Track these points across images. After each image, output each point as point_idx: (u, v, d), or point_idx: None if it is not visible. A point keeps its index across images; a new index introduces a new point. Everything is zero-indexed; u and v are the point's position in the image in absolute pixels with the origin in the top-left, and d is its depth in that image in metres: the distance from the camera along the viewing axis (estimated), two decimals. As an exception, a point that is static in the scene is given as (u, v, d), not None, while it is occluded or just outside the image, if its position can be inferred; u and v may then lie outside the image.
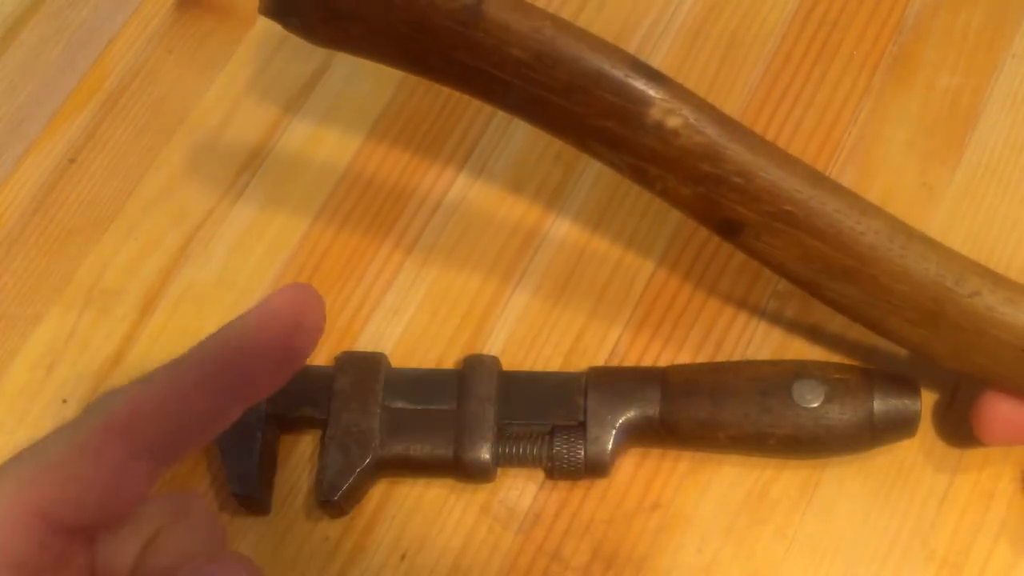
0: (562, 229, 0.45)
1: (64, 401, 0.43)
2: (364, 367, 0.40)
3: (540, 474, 0.41)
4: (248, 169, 0.47)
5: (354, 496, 0.40)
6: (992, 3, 0.47)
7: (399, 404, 0.40)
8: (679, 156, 0.34)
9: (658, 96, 0.34)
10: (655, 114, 0.34)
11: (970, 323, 0.35)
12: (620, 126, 0.34)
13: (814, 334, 0.42)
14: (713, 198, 0.35)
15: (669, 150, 0.34)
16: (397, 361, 0.42)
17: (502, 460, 0.40)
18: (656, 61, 0.47)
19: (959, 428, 0.40)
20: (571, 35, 0.34)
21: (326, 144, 0.47)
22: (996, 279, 0.35)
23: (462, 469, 0.39)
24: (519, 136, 0.47)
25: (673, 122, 0.34)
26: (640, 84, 0.34)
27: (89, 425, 0.27)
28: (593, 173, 0.46)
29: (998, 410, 0.36)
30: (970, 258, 0.35)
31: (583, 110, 0.34)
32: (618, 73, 0.34)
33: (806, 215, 0.35)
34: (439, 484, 0.41)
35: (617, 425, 0.39)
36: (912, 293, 0.35)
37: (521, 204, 0.45)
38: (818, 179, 0.35)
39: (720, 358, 0.42)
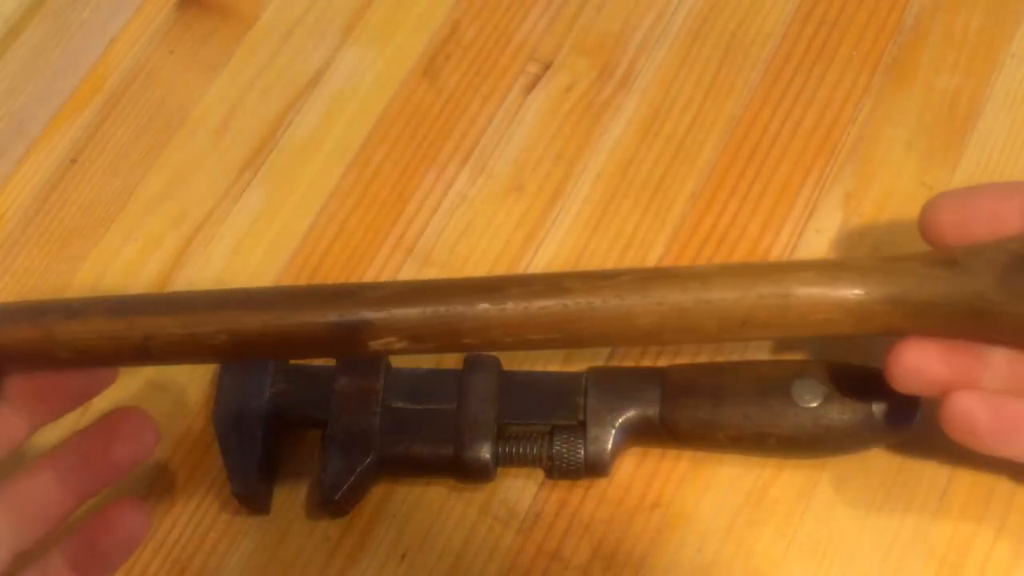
0: (562, 229, 0.45)
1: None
2: (364, 367, 0.40)
3: (540, 474, 0.41)
4: (249, 169, 0.47)
5: (354, 496, 0.40)
6: (992, 3, 0.47)
7: (399, 404, 0.40)
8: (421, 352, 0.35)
9: (369, 336, 0.34)
10: (375, 346, 0.34)
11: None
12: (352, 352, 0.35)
13: (814, 334, 0.42)
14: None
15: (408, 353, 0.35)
16: (397, 361, 0.42)
17: (502, 460, 0.40)
18: (656, 61, 0.47)
19: (959, 428, 0.40)
20: (253, 316, 0.34)
21: (326, 145, 0.47)
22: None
23: (462, 469, 0.39)
24: (519, 136, 0.47)
25: (398, 346, 0.34)
26: (349, 329, 0.34)
27: None
28: (593, 173, 0.46)
29: (906, 358, 0.36)
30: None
31: (311, 353, 0.35)
32: (322, 328, 0.34)
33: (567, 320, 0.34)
34: (439, 484, 0.41)
35: (617, 425, 0.39)
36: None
37: (521, 204, 0.46)
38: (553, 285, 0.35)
39: (720, 358, 0.42)
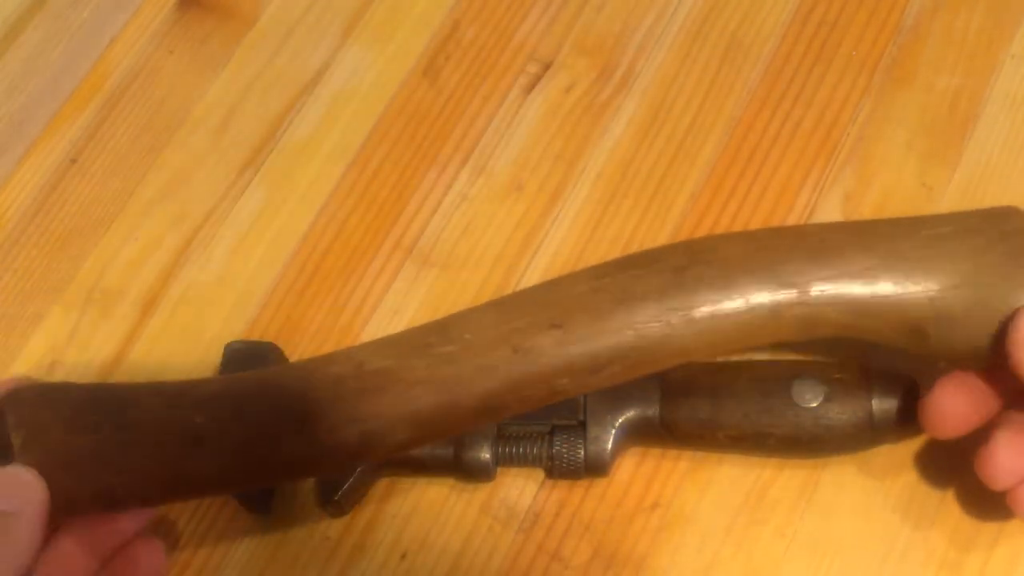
0: (562, 229, 0.45)
1: (65, 401, 0.43)
2: (364, 367, 0.40)
3: (540, 474, 0.41)
4: (249, 169, 0.47)
5: (354, 496, 0.40)
6: (991, 4, 0.47)
7: (399, 404, 0.40)
8: None
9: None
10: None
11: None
12: None
13: (814, 334, 0.42)
14: None
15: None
16: (397, 361, 0.42)
17: (502, 460, 0.40)
18: (656, 61, 0.47)
19: (958, 428, 0.40)
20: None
21: (326, 145, 0.47)
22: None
23: (462, 468, 0.39)
24: (519, 136, 0.47)
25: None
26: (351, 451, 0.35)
27: None
28: (593, 173, 0.46)
29: (944, 402, 0.36)
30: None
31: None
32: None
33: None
34: (439, 484, 0.41)
35: (617, 425, 0.39)
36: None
37: (521, 204, 0.46)
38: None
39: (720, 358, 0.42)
